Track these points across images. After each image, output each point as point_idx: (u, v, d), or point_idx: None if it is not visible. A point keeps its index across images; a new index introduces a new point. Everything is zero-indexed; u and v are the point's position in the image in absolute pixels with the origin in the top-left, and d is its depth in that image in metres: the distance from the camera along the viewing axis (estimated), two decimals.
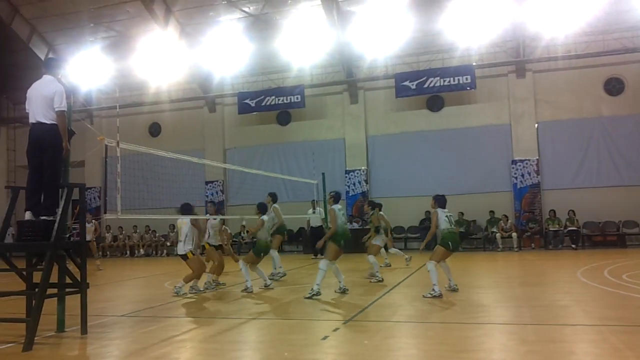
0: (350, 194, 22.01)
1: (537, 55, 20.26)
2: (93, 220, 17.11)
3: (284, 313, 8.37)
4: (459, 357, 5.32)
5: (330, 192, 10.17)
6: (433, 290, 8.90)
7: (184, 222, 10.52)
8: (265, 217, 10.66)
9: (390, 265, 14.15)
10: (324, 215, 18.22)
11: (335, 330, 6.70)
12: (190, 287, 10.72)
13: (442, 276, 9.36)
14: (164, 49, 22.71)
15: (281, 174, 20.33)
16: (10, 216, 7.28)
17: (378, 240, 11.97)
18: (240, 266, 10.57)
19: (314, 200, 18.72)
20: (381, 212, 12.90)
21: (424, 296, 8.91)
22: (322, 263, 9.44)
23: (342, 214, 9.83)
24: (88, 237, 16.73)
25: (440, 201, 9.68)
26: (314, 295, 9.19)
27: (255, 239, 10.69)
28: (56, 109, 6.83)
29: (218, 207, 13.96)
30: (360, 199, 21.89)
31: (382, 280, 11.01)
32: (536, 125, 20.55)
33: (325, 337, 6.32)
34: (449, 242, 9.27)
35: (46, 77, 7.05)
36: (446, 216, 9.49)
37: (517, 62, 20.50)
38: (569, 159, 20.14)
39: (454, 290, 9.43)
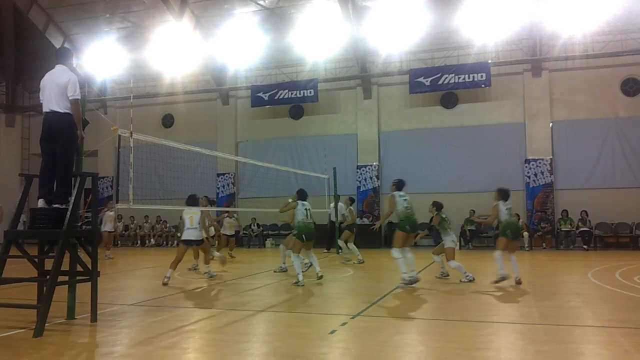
0: (361, 190, 21.98)
1: (554, 54, 20.06)
2: (112, 210, 17.07)
3: (292, 306, 8.38)
4: (467, 355, 5.30)
5: (394, 180, 10.48)
6: (500, 274, 9.84)
7: (194, 212, 11.21)
8: (303, 204, 10.85)
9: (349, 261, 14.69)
10: (335, 210, 18.23)
11: (343, 324, 6.69)
12: (205, 272, 11.77)
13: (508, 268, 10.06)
14: (178, 41, 22.77)
15: (292, 168, 20.33)
16: (24, 204, 7.34)
17: (450, 243, 10.91)
18: (292, 259, 10.73)
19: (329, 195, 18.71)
20: (351, 207, 14.82)
21: (492, 282, 9.93)
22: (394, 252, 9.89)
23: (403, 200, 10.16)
24: (110, 227, 16.82)
25: (503, 194, 10.36)
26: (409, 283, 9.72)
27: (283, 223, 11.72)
28: (70, 97, 6.86)
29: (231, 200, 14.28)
30: (371, 195, 21.86)
31: (473, 280, 10.49)
32: (551, 124, 20.38)
33: (332, 332, 6.32)
34: (509, 231, 10.20)
35: (59, 67, 7.09)
36: (507, 208, 10.27)
37: (534, 60, 20.32)
38: (583, 159, 19.96)
39: (519, 283, 9.98)
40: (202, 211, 11.52)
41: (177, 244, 15.70)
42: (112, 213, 16.77)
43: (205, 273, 11.62)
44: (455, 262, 10.68)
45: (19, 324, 6.70)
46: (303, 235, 10.54)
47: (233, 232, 16.37)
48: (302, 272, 10.53)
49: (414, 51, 21.37)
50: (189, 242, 11.27)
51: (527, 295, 9.08)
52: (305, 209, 10.72)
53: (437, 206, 11.24)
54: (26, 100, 27.92)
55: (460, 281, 10.59)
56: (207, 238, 12.24)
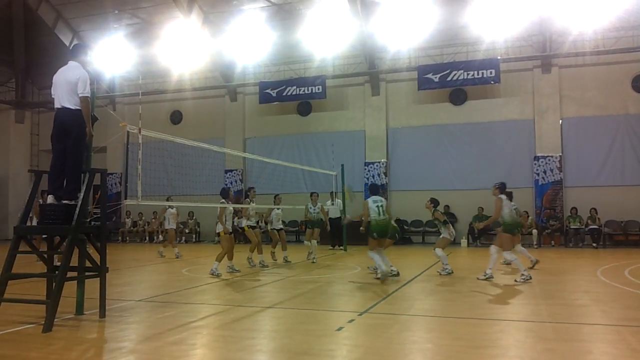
0: (368, 186, 21.91)
1: (564, 50, 19.90)
2: (173, 208, 16.40)
3: (300, 303, 8.39)
4: (474, 353, 5.29)
5: (496, 184, 10.84)
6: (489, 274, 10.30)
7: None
8: (374, 200, 10.49)
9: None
10: (342, 207, 18.24)
11: (350, 321, 6.70)
12: (228, 266, 11.97)
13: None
14: (186, 37, 22.80)
15: (300, 164, 20.33)
16: (33, 200, 7.38)
17: (446, 234, 11.35)
18: (369, 255, 10.55)
19: (332, 192, 18.72)
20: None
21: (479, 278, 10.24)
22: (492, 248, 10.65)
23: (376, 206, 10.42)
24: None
25: (503, 188, 10.76)
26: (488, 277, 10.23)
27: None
28: (80, 95, 6.90)
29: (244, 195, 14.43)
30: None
31: (451, 273, 11.06)
32: (560, 121, 20.25)
33: (340, 328, 6.32)
34: (515, 229, 10.83)
35: (71, 63, 7.12)
36: (514, 208, 10.88)
37: (543, 56, 20.18)
38: (593, 156, 19.82)
39: (536, 263, 11.04)
40: (219, 206, 11.63)
41: None
42: (174, 210, 16.39)
43: (212, 271, 11.30)
44: (441, 251, 11.17)
45: (28, 319, 6.75)
46: (374, 233, 10.21)
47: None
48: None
49: (423, 47, 21.27)
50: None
51: (535, 293, 9.05)
52: (377, 206, 10.32)
53: (435, 203, 11.59)
54: (35, 96, 28.05)
55: (439, 273, 11.08)
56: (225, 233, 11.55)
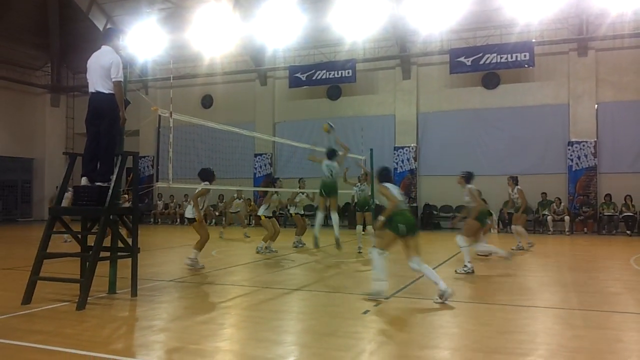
0: (398, 171, 21.84)
1: (601, 33, 19.31)
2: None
3: (327, 286, 8.45)
4: (501, 338, 5.26)
5: (462, 173, 10.23)
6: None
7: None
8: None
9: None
10: (370, 192, 18.18)
11: (376, 305, 6.72)
12: (266, 247, 12.41)
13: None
14: (217, 21, 22.88)
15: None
16: (67, 181, 7.57)
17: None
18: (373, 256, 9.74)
19: (359, 175, 18.67)
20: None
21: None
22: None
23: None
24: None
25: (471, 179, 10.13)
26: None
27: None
28: (113, 79, 7.00)
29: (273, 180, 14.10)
30: (408, 176, 21.71)
31: (471, 272, 9.94)
32: (596, 106, 19.76)
33: (366, 312, 6.36)
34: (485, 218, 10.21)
35: (104, 48, 7.21)
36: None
37: (580, 39, 19.65)
38: (629, 142, 19.30)
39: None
40: (203, 188, 10.38)
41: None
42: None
43: (187, 258, 10.10)
44: (463, 240, 9.98)
45: (63, 297, 6.96)
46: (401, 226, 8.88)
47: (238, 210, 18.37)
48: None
49: (455, 30, 20.92)
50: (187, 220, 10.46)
51: (565, 280, 8.93)
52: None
53: (467, 176, 10.39)
54: (70, 80, 28.61)
55: (456, 271, 9.63)
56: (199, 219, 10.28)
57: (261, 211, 12.95)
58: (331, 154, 12.08)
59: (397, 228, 7.00)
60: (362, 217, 13.34)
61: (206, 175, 10.55)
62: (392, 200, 7.20)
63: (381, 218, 7.26)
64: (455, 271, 9.38)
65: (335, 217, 11.79)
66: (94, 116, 7.16)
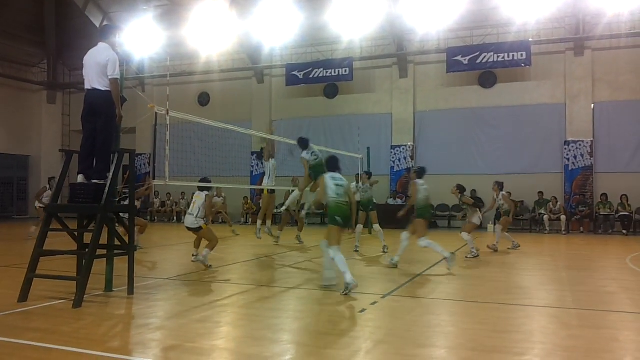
0: (395, 170, 21.86)
1: (598, 33, 19.35)
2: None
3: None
4: (497, 337, 5.28)
5: (415, 168, 10.74)
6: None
7: (198, 196, 10.43)
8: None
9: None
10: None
11: (373, 303, 6.73)
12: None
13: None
14: (214, 19, 22.83)
15: (326, 147, 20.28)
16: (64, 179, 7.55)
17: (476, 220, 11.60)
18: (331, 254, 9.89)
19: (357, 174, 18.68)
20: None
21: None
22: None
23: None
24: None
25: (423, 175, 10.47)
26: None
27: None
28: (109, 77, 6.99)
29: None
30: (405, 175, 21.72)
31: (477, 256, 11.32)
32: (592, 105, 19.79)
33: (363, 310, 6.36)
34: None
35: (101, 45, 7.19)
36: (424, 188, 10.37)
37: (576, 39, 19.68)
38: (625, 142, 19.35)
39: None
40: (206, 195, 10.29)
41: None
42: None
43: (194, 256, 10.42)
44: (467, 235, 11.39)
45: (59, 295, 6.95)
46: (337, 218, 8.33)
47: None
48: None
49: (453, 29, 20.93)
50: (188, 229, 10.28)
51: (561, 279, 8.96)
52: (424, 188, 10.22)
53: (461, 189, 11.67)
54: (67, 77, 28.53)
55: (466, 257, 11.22)
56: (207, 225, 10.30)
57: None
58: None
59: (335, 220, 7.54)
60: (365, 216, 13.12)
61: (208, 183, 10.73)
62: (323, 192, 7.71)
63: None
64: (466, 257, 11.02)
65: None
66: (90, 113, 7.15)
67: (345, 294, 7.16)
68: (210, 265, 9.93)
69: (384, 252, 12.24)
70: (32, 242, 7.67)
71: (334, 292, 7.66)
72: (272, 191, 13.58)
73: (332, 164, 7.99)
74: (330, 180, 7.71)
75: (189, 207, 10.40)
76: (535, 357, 4.71)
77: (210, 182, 10.77)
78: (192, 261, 10.43)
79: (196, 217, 10.05)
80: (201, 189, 10.45)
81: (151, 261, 10.96)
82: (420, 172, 10.41)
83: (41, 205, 15.86)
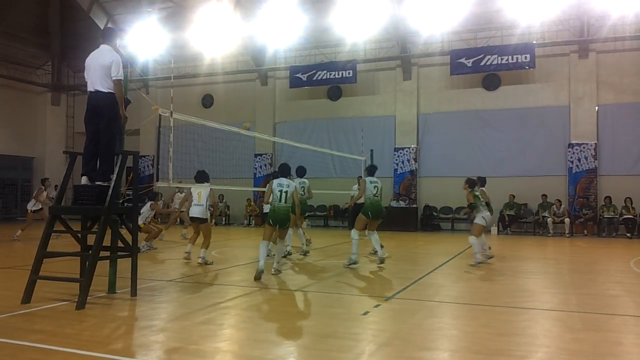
0: (398, 172, 21.85)
1: (602, 35, 19.32)
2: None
3: (326, 287, 8.44)
4: (500, 341, 5.26)
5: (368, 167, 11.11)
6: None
7: (203, 188, 11.06)
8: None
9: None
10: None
11: (376, 306, 6.72)
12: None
13: None
14: (218, 21, 22.87)
15: (330, 149, 20.32)
16: (68, 180, 7.56)
17: (479, 219, 10.92)
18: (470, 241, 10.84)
19: (359, 176, 18.68)
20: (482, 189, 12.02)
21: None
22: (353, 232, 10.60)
23: (373, 186, 10.48)
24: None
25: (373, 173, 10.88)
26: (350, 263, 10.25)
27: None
28: (113, 78, 7.00)
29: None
30: (408, 177, 21.70)
31: (480, 263, 10.62)
32: (597, 108, 19.75)
33: (365, 313, 6.35)
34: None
35: (104, 47, 7.21)
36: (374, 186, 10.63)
37: (580, 41, 19.65)
38: (630, 145, 19.29)
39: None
40: (211, 188, 11.05)
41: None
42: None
43: (200, 258, 10.63)
44: (475, 239, 10.67)
45: (62, 297, 6.96)
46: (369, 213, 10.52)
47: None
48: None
49: (457, 31, 20.91)
50: (193, 219, 11.01)
51: (565, 282, 8.93)
52: (374, 187, 10.59)
53: (470, 183, 11.14)
54: (71, 79, 28.60)
55: (469, 264, 10.51)
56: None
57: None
58: (372, 170, 11.26)
59: (269, 221, 9.12)
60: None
61: (207, 177, 11.29)
62: (266, 196, 9.27)
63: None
64: (469, 264, 10.54)
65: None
66: (93, 115, 7.16)
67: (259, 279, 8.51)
68: (211, 262, 10.55)
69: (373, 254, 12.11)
70: (32, 243, 7.77)
71: (336, 295, 7.66)
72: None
73: (282, 169, 9.42)
74: (277, 185, 9.13)
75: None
76: None
77: (207, 176, 11.35)
78: (185, 258, 10.93)
79: (206, 207, 10.79)
80: (201, 181, 11.07)
81: (154, 263, 10.97)
82: (370, 170, 10.92)
83: (36, 209, 15.98)
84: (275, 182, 9.15)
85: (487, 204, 11.26)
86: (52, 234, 7.13)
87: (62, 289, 7.31)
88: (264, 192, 12.31)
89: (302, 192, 11.73)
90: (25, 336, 5.16)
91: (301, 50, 23.50)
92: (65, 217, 7.47)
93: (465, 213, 12.86)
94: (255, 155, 23.93)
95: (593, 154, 19.47)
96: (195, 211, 10.84)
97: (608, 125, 19.64)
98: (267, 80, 24.48)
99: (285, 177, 9.31)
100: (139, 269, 7.31)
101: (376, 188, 10.42)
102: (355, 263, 10.30)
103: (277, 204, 9.03)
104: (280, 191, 9.03)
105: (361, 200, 10.83)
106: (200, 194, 10.80)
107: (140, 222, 10.98)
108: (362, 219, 10.48)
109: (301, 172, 12.09)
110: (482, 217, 10.87)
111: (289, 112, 24.20)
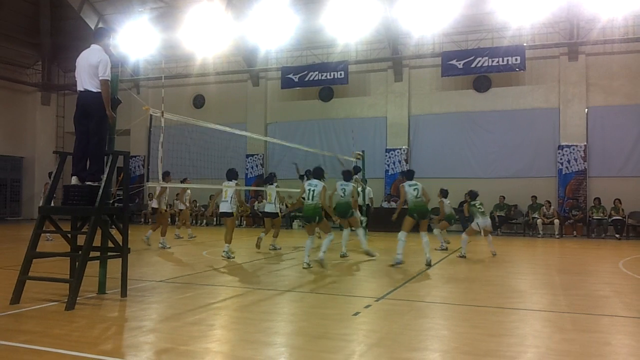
0: (389, 173, 21.90)
1: (592, 38, 19.50)
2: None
3: (318, 287, 8.44)
4: (491, 341, 5.28)
5: (403, 171, 11.54)
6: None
7: (230, 185, 11.96)
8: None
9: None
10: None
11: (367, 307, 6.73)
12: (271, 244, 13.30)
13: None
14: (210, 21, 22.82)
15: (321, 150, 20.31)
16: (58, 181, 7.52)
17: (474, 225, 12.31)
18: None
19: (355, 177, 18.69)
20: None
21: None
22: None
23: (413, 189, 10.79)
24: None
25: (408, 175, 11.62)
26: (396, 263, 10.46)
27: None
28: (100, 78, 6.98)
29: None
30: (399, 178, 21.72)
31: (445, 249, 12.30)
32: (586, 110, 19.91)
33: (356, 313, 6.36)
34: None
35: (94, 47, 7.19)
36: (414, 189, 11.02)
37: (570, 44, 19.80)
38: (619, 147, 19.46)
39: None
40: (236, 184, 11.99)
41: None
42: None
43: (224, 252, 11.57)
44: (466, 237, 12.08)
45: (52, 297, 6.91)
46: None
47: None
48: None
49: (448, 33, 21.01)
50: (221, 215, 12.19)
51: (554, 283, 8.98)
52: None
53: (472, 195, 12.46)
54: (61, 79, 28.45)
55: (458, 256, 11.94)
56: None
57: (267, 207, 13.67)
58: (348, 176, 11.83)
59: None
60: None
61: (235, 175, 12.18)
62: (299, 195, 10.71)
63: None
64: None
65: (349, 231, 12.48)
66: (83, 115, 7.14)
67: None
68: (233, 257, 11.51)
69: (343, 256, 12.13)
70: (22, 243, 7.78)
71: (327, 295, 7.67)
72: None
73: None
74: (408, 187, 10.54)
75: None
76: None
77: (236, 174, 12.29)
78: (222, 257, 11.57)
79: (231, 203, 11.68)
80: (229, 179, 11.98)
81: (145, 263, 10.92)
82: (345, 174, 11.62)
83: None
84: (307, 182, 10.54)
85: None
86: (48, 239, 7.10)
87: (51, 289, 7.27)
88: (256, 192, 12.88)
89: (343, 194, 11.80)
90: (14, 337, 5.13)
91: (293, 51, 23.50)
92: (55, 217, 7.43)
93: (439, 220, 14.71)
94: (247, 156, 23.90)
95: (582, 155, 19.61)
96: (222, 206, 11.89)
97: (597, 127, 19.80)
98: (259, 81, 24.47)
99: (318, 179, 10.46)
100: (129, 269, 7.28)
101: (416, 190, 10.69)
102: (401, 263, 10.50)
103: (306, 202, 10.24)
104: (309, 190, 10.25)
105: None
106: (227, 191, 11.73)
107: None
108: (410, 221, 10.74)
109: (347, 176, 11.99)
110: (477, 223, 12.13)
111: (280, 113, 24.19)
